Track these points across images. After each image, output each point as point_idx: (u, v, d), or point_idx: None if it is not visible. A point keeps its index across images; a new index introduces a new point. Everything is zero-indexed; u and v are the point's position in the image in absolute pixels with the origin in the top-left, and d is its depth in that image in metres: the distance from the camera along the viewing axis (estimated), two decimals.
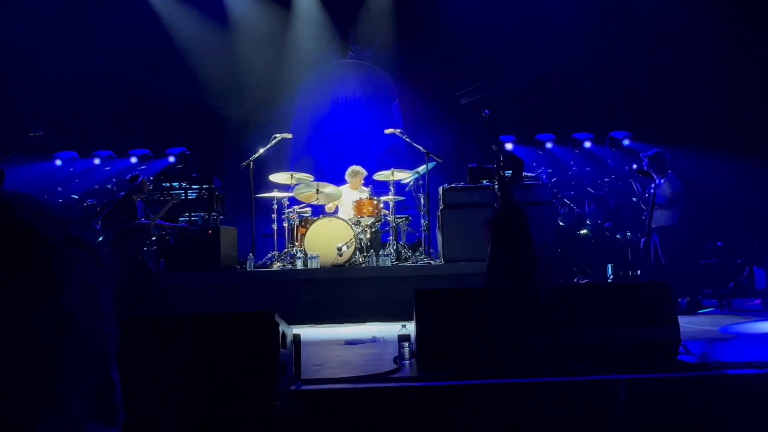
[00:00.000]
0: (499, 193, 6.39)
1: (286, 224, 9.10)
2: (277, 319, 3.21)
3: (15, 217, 0.61)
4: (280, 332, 3.21)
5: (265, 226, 9.78)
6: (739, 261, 9.13)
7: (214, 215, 10.07)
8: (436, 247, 9.01)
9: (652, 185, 7.91)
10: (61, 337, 0.59)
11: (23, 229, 0.60)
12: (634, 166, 8.70)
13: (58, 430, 0.57)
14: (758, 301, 8.43)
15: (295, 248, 8.75)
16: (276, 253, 9.00)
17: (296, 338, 3.70)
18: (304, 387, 3.81)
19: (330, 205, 9.58)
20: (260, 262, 9.00)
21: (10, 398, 0.55)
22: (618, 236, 9.97)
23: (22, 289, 0.57)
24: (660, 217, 7.94)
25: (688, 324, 4.98)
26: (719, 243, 9.55)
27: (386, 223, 9.21)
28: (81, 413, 0.60)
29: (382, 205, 9.15)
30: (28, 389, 0.56)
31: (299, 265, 8.45)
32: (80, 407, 0.60)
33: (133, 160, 12.22)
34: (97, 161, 12.14)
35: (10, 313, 0.56)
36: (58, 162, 11.97)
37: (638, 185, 8.00)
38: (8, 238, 0.59)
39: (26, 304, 0.57)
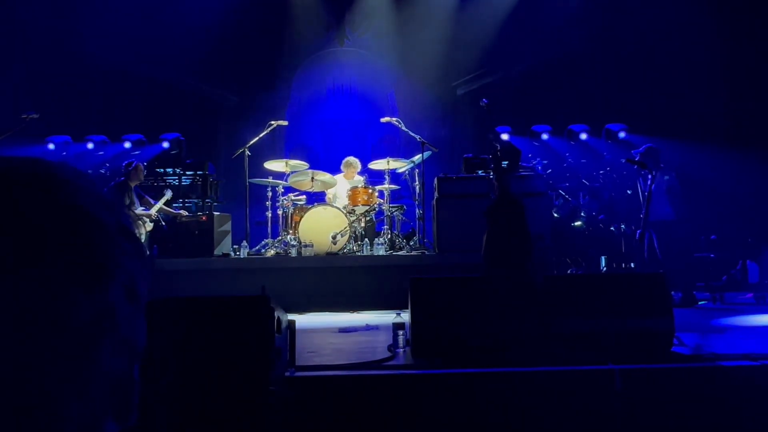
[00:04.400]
0: (495, 183, 6.37)
1: (280, 212, 9.07)
2: (273, 304, 3.19)
3: (75, 199, 0.58)
4: (276, 317, 3.20)
5: (259, 213, 9.74)
6: (732, 254, 9.15)
7: (208, 202, 10.03)
8: (430, 237, 9.00)
9: (649, 178, 7.91)
10: (101, 330, 0.57)
11: (82, 214, 0.57)
12: (623, 161, 8.72)
13: (81, 421, 0.55)
14: (750, 294, 8.45)
15: (289, 236, 8.72)
16: (270, 240, 8.97)
17: (291, 324, 3.68)
18: (298, 373, 3.80)
19: (331, 191, 9.56)
20: (254, 250, 8.97)
21: (41, 385, 0.53)
22: (612, 228, 9.97)
23: (73, 276, 0.55)
24: (656, 212, 7.95)
25: (680, 316, 5.00)
26: (713, 236, 9.57)
27: (381, 212, 9.19)
28: (104, 407, 0.58)
29: (376, 194, 9.12)
30: (60, 378, 0.54)
31: (293, 252, 8.43)
32: (105, 401, 0.58)
33: (127, 145, 12.14)
34: (90, 146, 12.05)
35: (57, 298, 0.54)
36: (51, 146, 11.86)
37: (641, 180, 8.00)
38: (67, 222, 0.56)
39: (74, 292, 0.55)
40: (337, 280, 8.08)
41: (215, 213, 9.12)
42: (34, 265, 0.53)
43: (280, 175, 9.37)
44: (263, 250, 8.91)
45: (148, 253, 8.55)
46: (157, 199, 8.89)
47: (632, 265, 9.43)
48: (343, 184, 9.58)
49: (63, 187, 0.58)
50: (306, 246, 8.31)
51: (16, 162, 0.59)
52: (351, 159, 9.86)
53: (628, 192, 10.03)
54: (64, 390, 0.54)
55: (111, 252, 0.58)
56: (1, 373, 0.51)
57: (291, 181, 9.24)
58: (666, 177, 8.12)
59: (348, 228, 8.52)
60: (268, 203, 9.17)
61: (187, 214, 9.23)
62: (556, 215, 9.94)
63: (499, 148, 6.54)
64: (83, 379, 0.55)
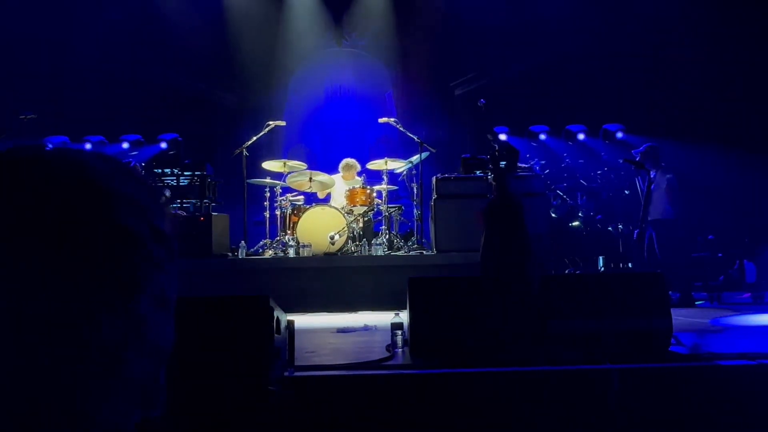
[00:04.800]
0: (494, 183, 6.37)
1: (278, 212, 9.07)
2: (272, 304, 3.19)
3: (103, 210, 0.55)
4: (275, 317, 3.20)
5: (257, 213, 9.74)
6: (729, 254, 9.17)
7: (206, 202, 10.02)
8: (428, 237, 9.00)
9: (647, 178, 7.92)
10: (129, 345, 0.55)
11: (111, 227, 0.54)
12: (621, 161, 8.74)
13: (109, 424, 0.55)
14: (747, 294, 8.47)
15: (287, 236, 8.72)
16: (268, 240, 8.97)
17: (290, 324, 3.69)
18: (297, 373, 3.80)
19: (326, 192, 9.57)
20: (252, 250, 8.96)
21: (67, 398, 0.52)
22: (610, 228, 9.99)
23: (101, 291, 0.53)
24: (656, 211, 7.97)
25: (678, 316, 5.03)
26: (710, 236, 9.59)
27: (379, 213, 9.19)
28: (130, 407, 0.58)
29: (374, 195, 9.13)
30: (87, 392, 0.53)
31: (291, 253, 8.43)
32: (130, 402, 0.58)
33: (125, 145, 12.14)
34: (88, 146, 12.02)
35: (83, 315, 0.52)
36: (49, 147, 11.83)
37: (640, 179, 8.02)
38: (94, 238, 0.53)
39: (101, 308, 0.53)
40: (335, 280, 8.08)
41: (213, 213, 9.10)
42: (59, 285, 0.51)
43: (278, 176, 9.37)
44: (261, 251, 8.91)
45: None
46: None
47: (630, 264, 9.45)
48: (341, 184, 9.58)
49: (93, 196, 0.55)
50: (304, 246, 8.31)
51: (43, 160, 0.55)
52: (350, 161, 9.84)
53: (626, 192, 10.05)
54: (91, 402, 0.53)
55: (141, 265, 0.56)
56: (28, 387, 0.51)
57: (289, 182, 9.25)
58: (668, 176, 8.15)
59: (346, 228, 8.52)
60: (266, 203, 9.17)
61: (185, 214, 9.23)
62: (553, 215, 9.96)
63: (497, 148, 6.55)
64: (111, 391, 0.55)
